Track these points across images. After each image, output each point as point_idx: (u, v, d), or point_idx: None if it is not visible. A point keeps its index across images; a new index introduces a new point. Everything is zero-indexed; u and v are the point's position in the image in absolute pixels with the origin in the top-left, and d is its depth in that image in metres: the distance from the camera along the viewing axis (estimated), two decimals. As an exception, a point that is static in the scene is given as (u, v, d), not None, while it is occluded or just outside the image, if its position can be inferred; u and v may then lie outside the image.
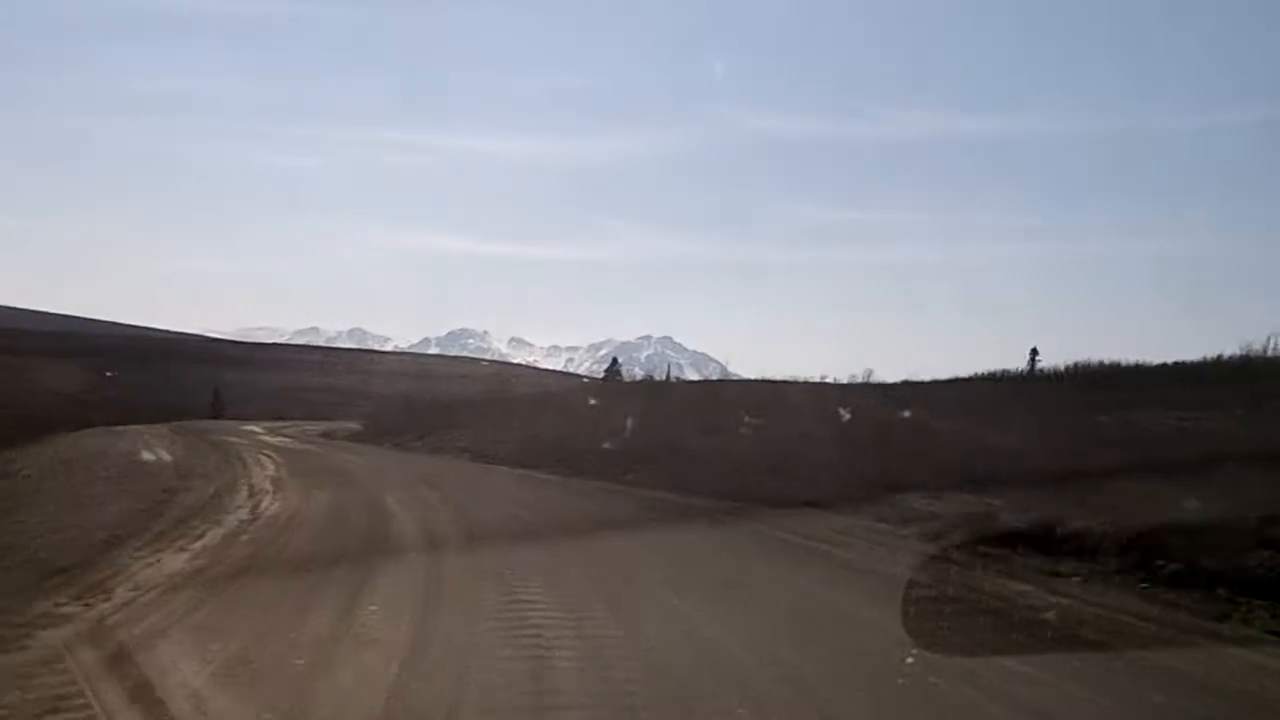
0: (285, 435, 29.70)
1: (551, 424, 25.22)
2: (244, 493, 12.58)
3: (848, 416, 19.03)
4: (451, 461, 22.38)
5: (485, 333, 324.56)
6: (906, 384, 25.44)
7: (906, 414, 18.55)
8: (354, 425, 34.82)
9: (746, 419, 21.50)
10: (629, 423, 23.48)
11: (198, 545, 8.40)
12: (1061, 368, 25.30)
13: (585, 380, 66.40)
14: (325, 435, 31.82)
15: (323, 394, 63.62)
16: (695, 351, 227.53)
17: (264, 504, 11.55)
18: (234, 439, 24.68)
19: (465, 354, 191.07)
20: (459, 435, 27.22)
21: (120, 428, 27.20)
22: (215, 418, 44.84)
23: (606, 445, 20.99)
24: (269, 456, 19.36)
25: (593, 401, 29.78)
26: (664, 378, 45.11)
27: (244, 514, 10.62)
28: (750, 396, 24.04)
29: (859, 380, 26.44)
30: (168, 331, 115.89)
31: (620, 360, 60.95)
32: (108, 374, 60.72)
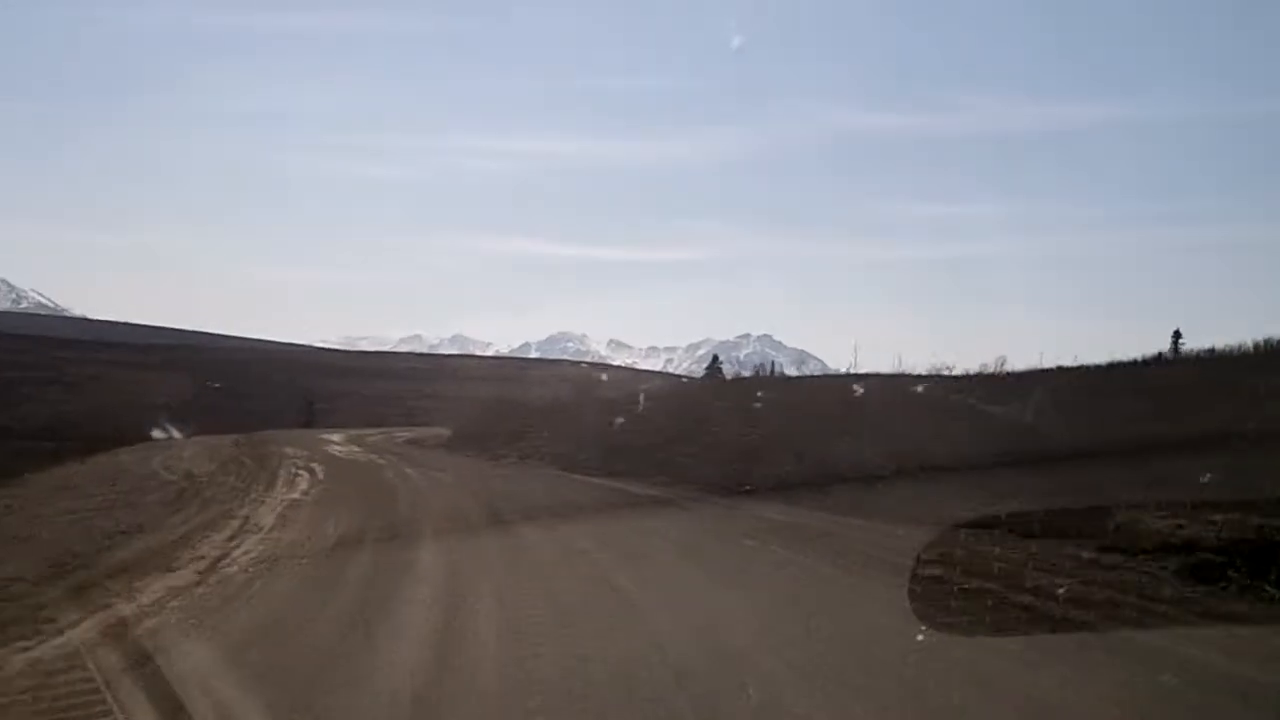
0: (362, 444, 27.12)
1: (653, 426, 22.00)
2: (228, 530, 9.24)
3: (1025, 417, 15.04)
4: (537, 473, 19.12)
5: (584, 335, 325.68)
6: (1041, 372, 21.36)
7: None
8: (445, 431, 32.69)
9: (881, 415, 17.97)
10: (738, 423, 20.28)
11: (37, 654, 4.93)
12: (1249, 345, 20.19)
13: (684, 380, 63.18)
14: (411, 442, 29.71)
15: (422, 400, 62.91)
16: (795, 349, 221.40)
17: (239, 550, 8.15)
18: (294, 450, 22.01)
19: (565, 357, 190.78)
20: (551, 441, 24.45)
21: (183, 439, 25.15)
22: (306, 426, 43.41)
23: (716, 450, 17.71)
24: (312, 472, 16.32)
25: (697, 400, 26.54)
26: (768, 374, 41.63)
27: (191, 572, 7.18)
28: (889, 394, 20.25)
29: (989, 370, 22.72)
30: (275, 343, 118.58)
31: (720, 359, 57.96)
32: (215, 385, 61.57)
